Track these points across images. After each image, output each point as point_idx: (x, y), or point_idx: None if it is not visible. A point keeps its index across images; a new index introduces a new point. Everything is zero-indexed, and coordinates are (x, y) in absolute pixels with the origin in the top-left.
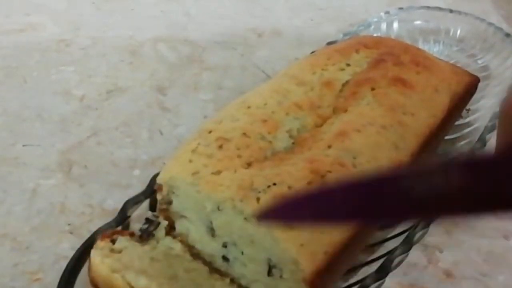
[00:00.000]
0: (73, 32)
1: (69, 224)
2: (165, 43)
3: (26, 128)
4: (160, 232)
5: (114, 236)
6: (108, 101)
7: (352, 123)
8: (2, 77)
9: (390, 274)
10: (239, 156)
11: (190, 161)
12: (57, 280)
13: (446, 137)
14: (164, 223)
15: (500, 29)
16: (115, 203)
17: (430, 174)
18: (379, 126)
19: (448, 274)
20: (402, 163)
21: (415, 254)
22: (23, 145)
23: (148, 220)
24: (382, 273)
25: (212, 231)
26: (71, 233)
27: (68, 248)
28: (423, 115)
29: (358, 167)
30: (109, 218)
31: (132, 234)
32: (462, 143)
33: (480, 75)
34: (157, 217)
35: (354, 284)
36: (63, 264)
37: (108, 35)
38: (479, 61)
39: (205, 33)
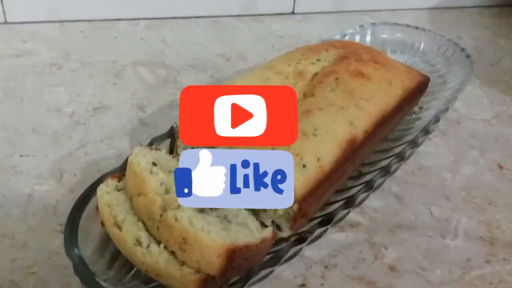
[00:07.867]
0: (64, 57)
1: (60, 225)
2: (144, 67)
3: (23, 141)
4: None
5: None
6: (95, 117)
7: (316, 104)
8: (1, 96)
9: (342, 268)
10: None
11: None
12: (51, 274)
13: (401, 128)
14: None
15: (457, 44)
16: None
17: None
18: (338, 106)
19: (392, 268)
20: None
21: (363, 250)
22: (20, 156)
23: None
24: (347, 207)
25: None
26: (62, 232)
27: (60, 246)
28: (377, 101)
29: (318, 137)
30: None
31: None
32: (412, 132)
33: (437, 81)
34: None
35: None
36: (56, 259)
37: (94, 59)
38: (438, 71)
39: (180, 58)
